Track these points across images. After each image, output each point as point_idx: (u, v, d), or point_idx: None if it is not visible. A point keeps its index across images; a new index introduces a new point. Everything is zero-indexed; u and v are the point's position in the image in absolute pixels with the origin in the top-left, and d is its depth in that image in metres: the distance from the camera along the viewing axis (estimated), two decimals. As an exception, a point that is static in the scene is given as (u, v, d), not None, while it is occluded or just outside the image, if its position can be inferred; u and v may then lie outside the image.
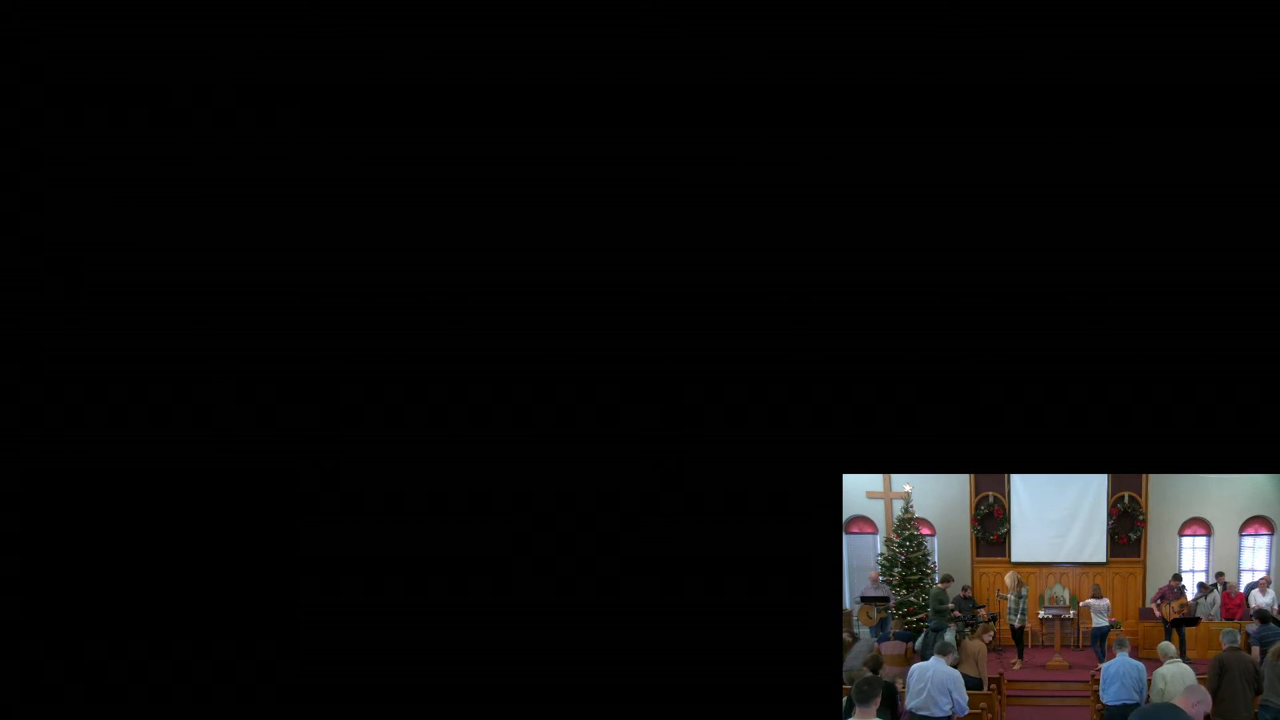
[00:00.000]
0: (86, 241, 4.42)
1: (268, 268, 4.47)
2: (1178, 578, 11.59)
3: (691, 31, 4.30)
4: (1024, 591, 11.66)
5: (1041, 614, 11.90)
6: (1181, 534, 12.40)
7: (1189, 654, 11.00)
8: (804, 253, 4.48)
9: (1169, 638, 10.80)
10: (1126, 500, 12.04)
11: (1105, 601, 11.42)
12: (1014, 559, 12.36)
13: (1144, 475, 11.73)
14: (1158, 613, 11.20)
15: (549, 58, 4.34)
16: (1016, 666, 11.30)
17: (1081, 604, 11.72)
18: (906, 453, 4.46)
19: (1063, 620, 11.87)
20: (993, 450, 4.54)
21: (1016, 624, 11.57)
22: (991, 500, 12.27)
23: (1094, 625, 11.40)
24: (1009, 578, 11.93)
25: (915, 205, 4.43)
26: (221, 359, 4.45)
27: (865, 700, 4.50)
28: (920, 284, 4.46)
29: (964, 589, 11.65)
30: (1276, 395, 4.34)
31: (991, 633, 9.70)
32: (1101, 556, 12.24)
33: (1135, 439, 4.52)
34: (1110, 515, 11.96)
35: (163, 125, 4.47)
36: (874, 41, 4.29)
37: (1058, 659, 11.44)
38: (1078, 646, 11.97)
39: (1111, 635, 10.86)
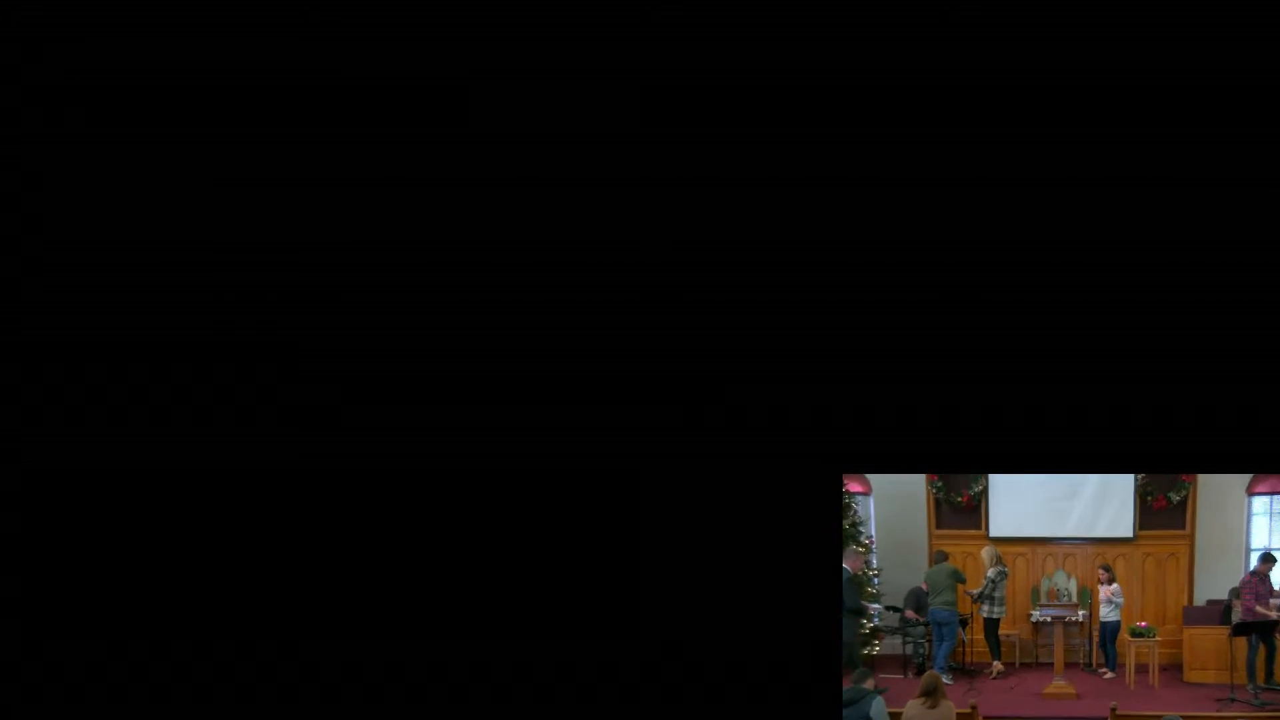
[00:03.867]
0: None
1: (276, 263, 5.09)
2: (1271, 560, 9.14)
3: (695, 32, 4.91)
4: (1005, 570, 9.65)
5: (1036, 615, 9.80)
6: (1252, 492, 10.12)
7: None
8: (804, 252, 4.92)
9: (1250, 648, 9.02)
10: (1166, 447, 9.71)
11: (1116, 586, 9.58)
12: (993, 532, 10.10)
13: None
14: (1252, 615, 9.00)
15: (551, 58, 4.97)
16: (994, 673, 9.47)
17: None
18: (907, 453, 4.86)
19: (1067, 624, 9.68)
20: (993, 450, 4.86)
21: (992, 615, 9.64)
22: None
23: (1102, 620, 9.55)
24: (986, 553, 9.84)
25: (915, 205, 4.89)
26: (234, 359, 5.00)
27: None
28: (920, 284, 4.88)
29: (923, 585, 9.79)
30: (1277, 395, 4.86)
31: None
32: (1127, 530, 10.02)
33: (1136, 439, 4.85)
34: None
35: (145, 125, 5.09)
36: (867, 43, 4.89)
37: (1060, 684, 9.13)
38: (1089, 665, 9.77)
39: (1141, 648, 9.25)
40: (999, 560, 9.69)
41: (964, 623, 9.60)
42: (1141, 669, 9.42)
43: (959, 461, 4.84)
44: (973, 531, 10.14)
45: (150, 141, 4.91)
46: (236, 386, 4.88)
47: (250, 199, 4.87)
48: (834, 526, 4.80)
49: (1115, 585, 9.49)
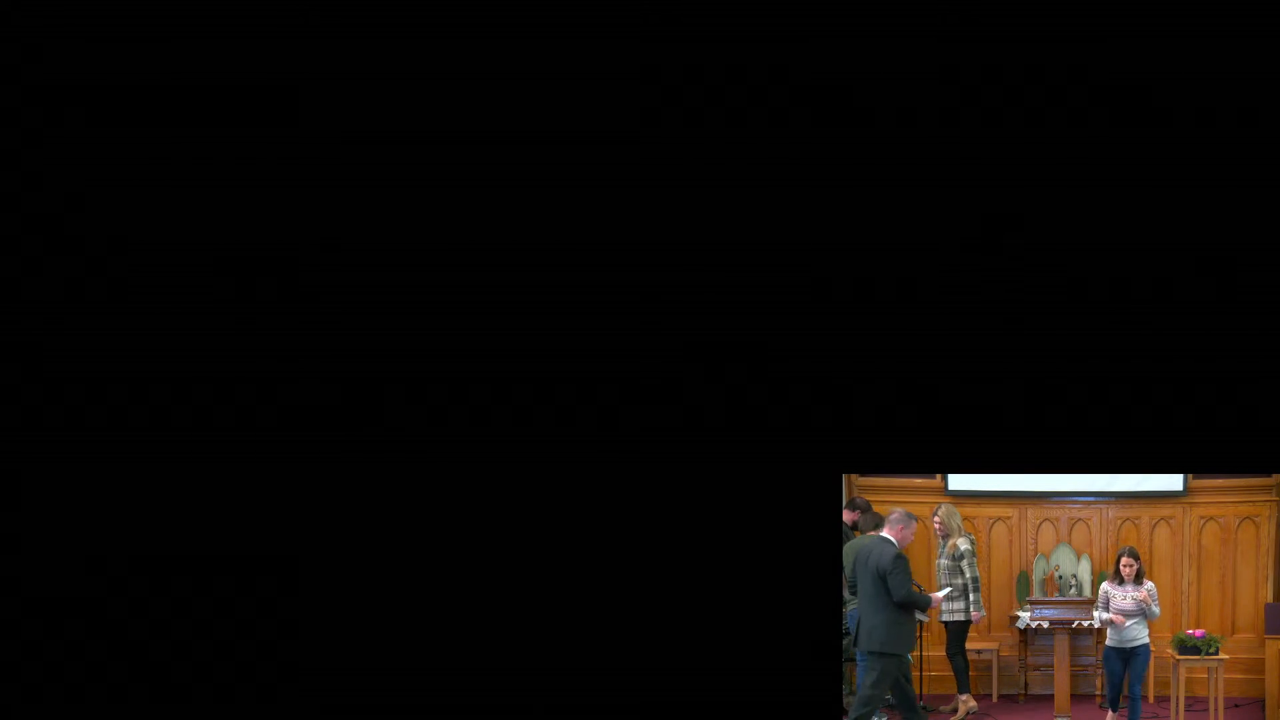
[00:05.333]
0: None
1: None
2: None
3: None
4: (970, 549, 7.30)
5: (1028, 617, 7.70)
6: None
7: None
8: (803, 251, 5.25)
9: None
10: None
11: (1152, 587, 6.97)
12: (955, 486, 7.95)
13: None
14: None
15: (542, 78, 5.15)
16: (960, 714, 7.29)
17: (1104, 588, 7.02)
18: (907, 453, 5.18)
19: (1077, 631, 7.60)
20: (994, 450, 5.14)
21: (954, 617, 7.38)
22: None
23: (1119, 643, 6.92)
24: (943, 515, 7.51)
25: (923, 207, 5.21)
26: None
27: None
28: (919, 284, 5.19)
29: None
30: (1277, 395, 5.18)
31: None
32: (1175, 481, 7.98)
33: (1135, 439, 5.11)
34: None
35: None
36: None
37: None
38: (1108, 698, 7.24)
39: (1196, 673, 7.13)
40: (961, 530, 7.22)
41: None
42: (1197, 704, 7.18)
43: (960, 462, 5.10)
44: (920, 481, 7.95)
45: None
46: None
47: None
48: (835, 527, 5.17)
49: (1151, 585, 6.76)
